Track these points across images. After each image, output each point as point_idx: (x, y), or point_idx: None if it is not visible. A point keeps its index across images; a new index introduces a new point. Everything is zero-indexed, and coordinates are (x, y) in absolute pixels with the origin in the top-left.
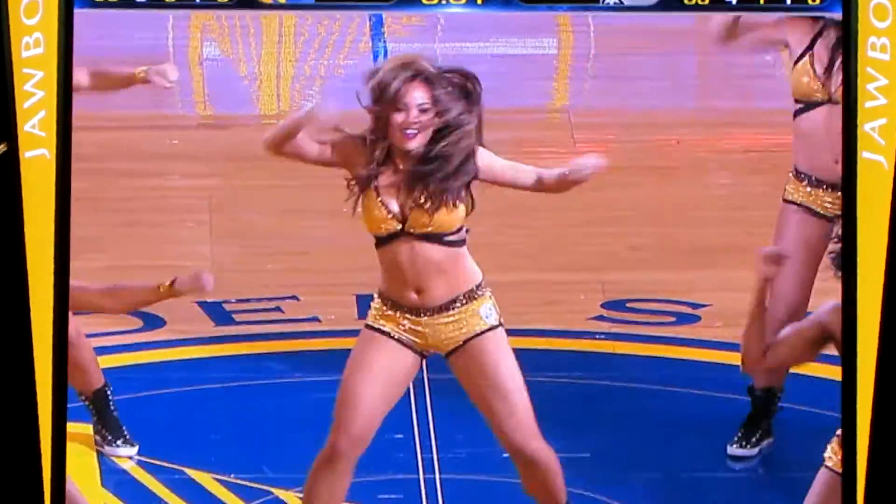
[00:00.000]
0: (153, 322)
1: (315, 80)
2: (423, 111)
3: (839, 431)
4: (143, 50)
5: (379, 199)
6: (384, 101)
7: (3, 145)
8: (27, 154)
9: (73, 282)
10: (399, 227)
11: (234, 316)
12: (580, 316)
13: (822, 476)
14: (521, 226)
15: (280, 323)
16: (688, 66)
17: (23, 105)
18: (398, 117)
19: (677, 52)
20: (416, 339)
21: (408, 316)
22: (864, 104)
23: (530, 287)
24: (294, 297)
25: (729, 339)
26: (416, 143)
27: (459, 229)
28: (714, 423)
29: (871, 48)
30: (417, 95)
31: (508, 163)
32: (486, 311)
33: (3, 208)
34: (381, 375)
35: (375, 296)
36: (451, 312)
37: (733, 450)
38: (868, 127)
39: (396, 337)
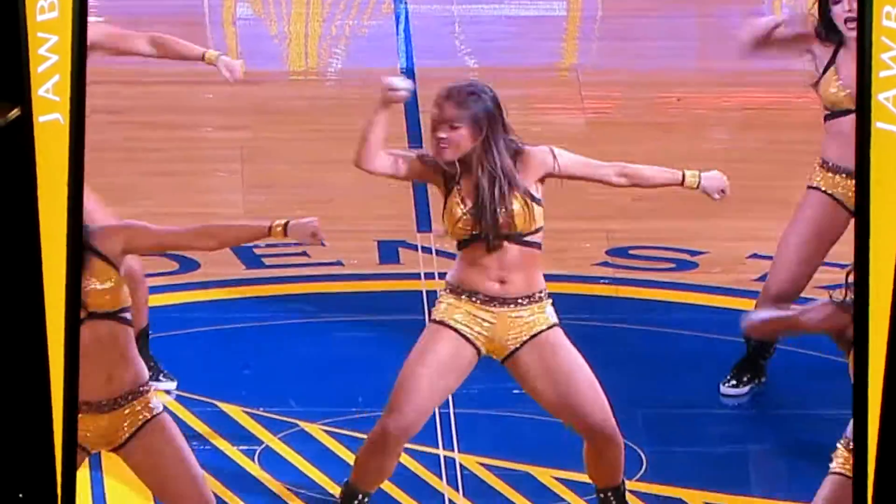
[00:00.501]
0: (188, 265)
1: (340, 39)
2: (454, 128)
3: (845, 435)
4: (180, 9)
5: (460, 206)
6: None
7: (16, 110)
8: (41, 118)
9: (162, 227)
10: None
11: (263, 259)
12: (586, 262)
13: (828, 482)
14: None
15: (306, 266)
16: (689, 28)
17: (37, 69)
18: (433, 132)
19: (679, 15)
20: (483, 334)
21: (483, 306)
22: (879, 74)
23: None
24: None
25: (725, 284)
26: (448, 156)
27: (538, 230)
28: (709, 362)
29: (886, 17)
30: (449, 114)
31: (584, 159)
32: (550, 311)
33: (17, 173)
34: (440, 368)
35: (442, 291)
36: (524, 307)
37: (725, 388)
38: (882, 97)
39: (462, 331)
